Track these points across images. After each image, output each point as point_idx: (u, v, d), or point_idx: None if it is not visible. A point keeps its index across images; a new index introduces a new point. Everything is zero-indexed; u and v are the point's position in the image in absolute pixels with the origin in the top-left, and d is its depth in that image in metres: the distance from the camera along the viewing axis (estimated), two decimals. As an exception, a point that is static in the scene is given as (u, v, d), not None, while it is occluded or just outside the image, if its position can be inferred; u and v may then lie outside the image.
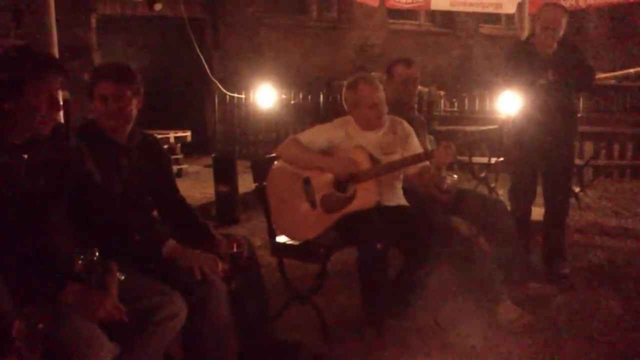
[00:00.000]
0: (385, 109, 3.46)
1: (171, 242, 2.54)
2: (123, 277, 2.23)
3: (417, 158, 3.38)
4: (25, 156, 2.16)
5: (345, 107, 3.52)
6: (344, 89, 3.52)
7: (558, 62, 4.00)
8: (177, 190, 2.97)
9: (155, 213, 2.91)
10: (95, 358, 1.96)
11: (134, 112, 2.75)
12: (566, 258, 4.33)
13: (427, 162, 3.39)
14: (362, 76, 3.55)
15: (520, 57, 4.12)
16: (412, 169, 3.44)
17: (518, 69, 4.07)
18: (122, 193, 2.64)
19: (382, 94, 3.44)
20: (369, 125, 3.45)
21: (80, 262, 2.13)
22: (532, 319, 3.35)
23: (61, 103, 2.27)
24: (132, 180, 2.73)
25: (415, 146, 3.52)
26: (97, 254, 2.16)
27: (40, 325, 1.75)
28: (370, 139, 3.44)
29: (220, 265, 2.59)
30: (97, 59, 7.84)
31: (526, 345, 3.19)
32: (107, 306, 2.10)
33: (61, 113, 4.53)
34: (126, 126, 2.75)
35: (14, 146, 2.15)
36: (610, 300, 3.80)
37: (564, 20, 4.00)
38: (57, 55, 4.23)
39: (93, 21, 7.92)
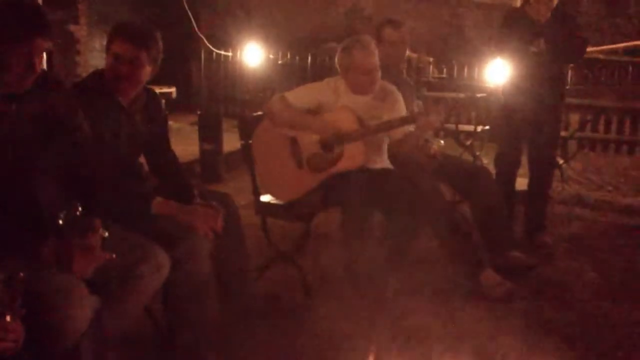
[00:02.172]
0: (379, 75, 3.40)
1: (160, 199, 2.52)
2: (106, 234, 2.20)
3: (404, 120, 3.35)
4: (14, 106, 2.09)
5: (338, 69, 3.45)
6: (338, 51, 3.46)
7: (550, 31, 3.98)
8: (170, 148, 2.94)
9: (146, 170, 2.89)
10: (75, 309, 1.94)
11: (145, 79, 2.67)
12: (547, 228, 4.38)
13: (411, 128, 3.36)
14: (358, 40, 3.43)
15: (514, 24, 4.09)
16: (397, 135, 3.41)
17: (510, 36, 4.05)
18: (114, 150, 2.59)
19: (376, 60, 3.37)
20: (360, 90, 3.40)
21: (62, 217, 2.10)
22: (512, 287, 3.38)
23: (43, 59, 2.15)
24: (127, 139, 2.67)
25: (402, 113, 3.49)
26: (80, 209, 2.13)
27: (21, 275, 1.73)
28: (359, 102, 3.40)
29: (219, 222, 2.61)
30: (83, 10, 7.66)
31: (506, 311, 3.23)
32: (88, 259, 2.07)
33: (44, 63, 4.44)
34: (132, 90, 2.66)
35: (2, 96, 2.07)
36: (588, 270, 3.87)
37: None
38: (40, 2, 4.12)
39: (79, -30, 7.72)
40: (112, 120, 2.61)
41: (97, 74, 2.69)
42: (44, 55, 2.16)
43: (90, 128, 2.38)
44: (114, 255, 2.12)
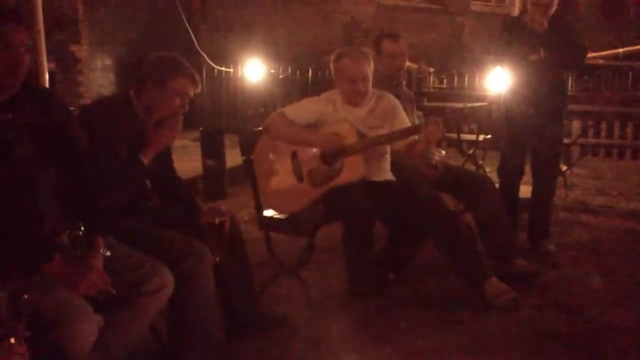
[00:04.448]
0: (369, 85, 3.40)
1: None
2: (109, 253, 2.22)
3: (405, 132, 3.36)
4: (10, 116, 2.10)
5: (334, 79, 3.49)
6: (331, 61, 3.49)
7: (550, 39, 3.98)
8: (173, 167, 2.96)
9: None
10: (80, 329, 1.95)
11: None
12: (551, 235, 4.37)
13: (416, 136, 3.37)
14: (349, 50, 3.47)
15: (512, 33, 4.10)
16: (401, 143, 3.42)
17: (509, 45, 4.06)
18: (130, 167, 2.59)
19: (365, 70, 3.36)
20: (352, 100, 3.41)
21: (65, 236, 2.12)
22: (516, 295, 3.37)
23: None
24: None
25: (402, 120, 3.49)
26: (82, 228, 2.15)
27: (25, 296, 1.74)
28: (357, 114, 3.42)
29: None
30: (84, 31, 7.73)
31: (511, 320, 3.22)
32: (91, 278, 2.08)
33: (47, 82, 4.48)
34: None
35: None
36: (594, 276, 3.84)
37: None
38: (41, 24, 4.17)
39: (79, -8, 7.78)
40: (131, 138, 2.62)
41: (125, 95, 2.72)
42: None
43: (108, 144, 2.47)
44: (113, 291, 2.14)
